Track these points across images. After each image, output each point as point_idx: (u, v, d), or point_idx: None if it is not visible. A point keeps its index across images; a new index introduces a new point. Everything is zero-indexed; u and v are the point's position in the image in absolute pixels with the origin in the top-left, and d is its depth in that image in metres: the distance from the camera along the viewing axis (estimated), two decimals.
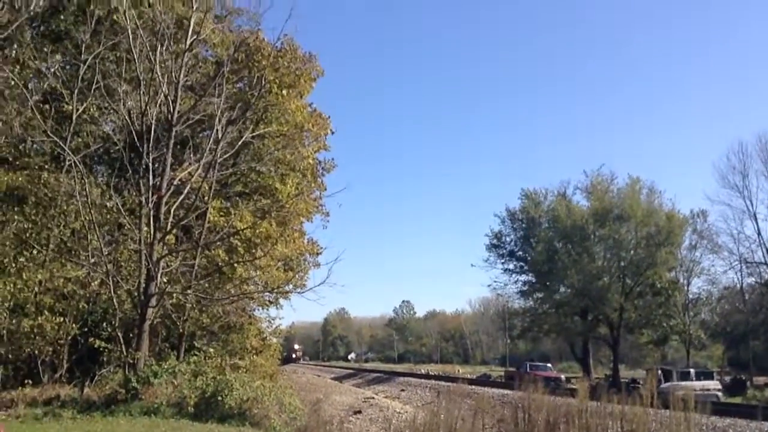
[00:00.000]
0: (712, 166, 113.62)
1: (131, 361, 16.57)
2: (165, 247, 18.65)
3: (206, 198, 19.54)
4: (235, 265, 20.63)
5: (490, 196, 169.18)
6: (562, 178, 73.36)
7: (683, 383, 27.41)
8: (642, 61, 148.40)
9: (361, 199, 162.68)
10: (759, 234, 49.23)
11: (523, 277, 56.20)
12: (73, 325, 18.87)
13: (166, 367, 16.89)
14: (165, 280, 18.33)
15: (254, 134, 21.09)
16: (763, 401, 27.56)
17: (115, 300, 17.51)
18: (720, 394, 28.56)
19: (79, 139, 20.73)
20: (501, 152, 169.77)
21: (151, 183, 18.16)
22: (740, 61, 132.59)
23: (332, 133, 26.01)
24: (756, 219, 49.06)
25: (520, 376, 39.15)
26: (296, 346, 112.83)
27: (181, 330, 20.17)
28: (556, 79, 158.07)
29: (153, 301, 17.32)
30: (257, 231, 20.85)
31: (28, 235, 18.91)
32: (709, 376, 33.15)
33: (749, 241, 50.07)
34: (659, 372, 29.31)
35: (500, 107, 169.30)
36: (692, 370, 33.22)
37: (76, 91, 19.54)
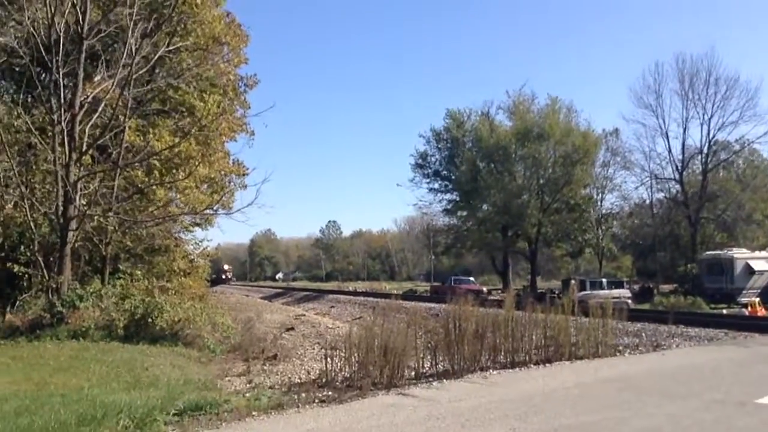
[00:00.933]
0: (627, 87, 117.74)
1: (54, 286, 16.09)
2: (82, 168, 17.80)
3: (123, 116, 18.61)
4: (156, 186, 20.01)
5: (415, 117, 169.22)
6: (486, 99, 74.01)
7: (596, 292, 29.31)
8: None
9: (287, 118, 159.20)
10: (669, 151, 52.10)
11: (448, 196, 57.47)
12: None
13: (91, 290, 16.52)
14: (84, 203, 17.60)
15: (170, 48, 19.96)
16: (668, 307, 29.85)
17: (31, 223, 16.75)
18: (630, 301, 30.74)
19: None
20: (427, 72, 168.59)
21: (62, 100, 17.08)
22: None
23: (250, 43, 25.07)
24: (667, 137, 51.74)
25: (445, 290, 40.83)
26: (226, 267, 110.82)
27: (104, 253, 19.60)
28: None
29: (73, 224, 16.68)
30: (177, 151, 20.19)
31: None
32: (619, 285, 35.55)
33: (660, 158, 52.99)
34: (581, 282, 31.20)
35: (427, 26, 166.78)
36: (604, 280, 35.52)
37: None
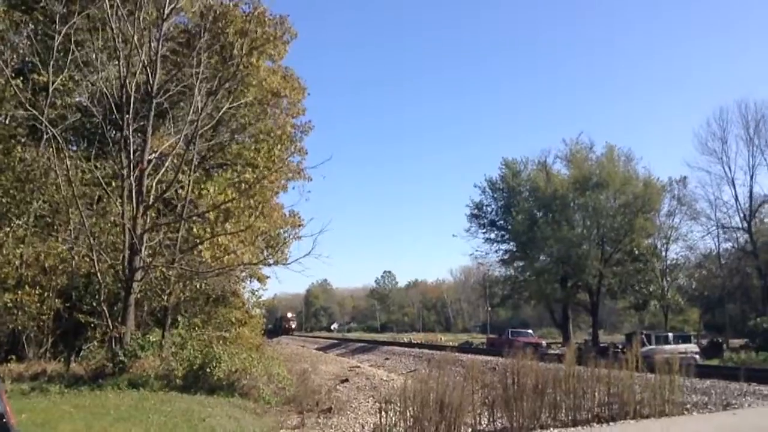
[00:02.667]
0: (692, 132, 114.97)
1: (117, 335, 16.51)
2: (148, 221, 18.48)
3: (187, 170, 19.33)
4: (215, 239, 20.48)
5: (472, 165, 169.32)
6: (543, 147, 73.56)
7: (662, 347, 28.07)
8: (625, 28, 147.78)
9: (342, 168, 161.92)
10: (736, 199, 50.27)
11: (504, 246, 56.69)
12: (56, 300, 18.75)
13: (152, 340, 16.88)
14: (148, 254, 18.19)
15: (232, 104, 20.76)
16: (739, 363, 28.30)
17: (98, 274, 17.35)
18: (698, 356, 29.26)
19: (56, 112, 20.35)
20: (482, 121, 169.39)
21: (131, 156, 17.89)
22: (722, 28, 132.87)
23: (307, 95, 25.79)
24: (734, 184, 50.03)
25: (502, 343, 39.91)
26: (289, 315, 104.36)
27: (165, 303, 20.09)
28: (535, 44, 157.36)
29: (138, 275, 17.21)
30: (237, 204, 20.72)
31: (6, 209, 18.62)
32: (686, 339, 33.93)
33: (726, 207, 51.15)
34: (646, 336, 29.98)
35: (484, 72, 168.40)
36: (671, 334, 33.96)
37: (51, 62, 19.11)
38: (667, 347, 27.87)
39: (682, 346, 29.81)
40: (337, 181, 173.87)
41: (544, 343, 42.34)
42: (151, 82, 18.63)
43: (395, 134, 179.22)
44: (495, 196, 57.26)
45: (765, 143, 48.48)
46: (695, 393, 14.44)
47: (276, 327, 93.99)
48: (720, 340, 44.16)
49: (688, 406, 12.82)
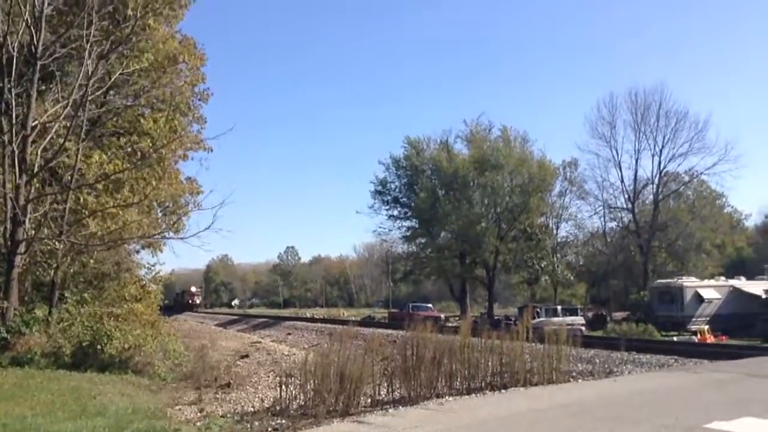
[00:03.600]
0: (584, 117, 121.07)
1: None
2: (32, 191, 17.32)
3: (75, 139, 18.23)
4: (106, 210, 19.54)
5: (376, 143, 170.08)
6: (445, 128, 74.97)
7: (551, 319, 29.71)
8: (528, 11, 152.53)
9: (244, 141, 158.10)
10: (622, 181, 53.74)
11: (407, 223, 57.65)
12: None
13: (38, 316, 15.97)
14: (33, 226, 17.10)
15: (125, 70, 19.69)
16: (621, 334, 30.40)
17: None
18: (583, 328, 31.20)
19: None
20: (387, 99, 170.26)
21: (14, 121, 16.65)
22: (622, 17, 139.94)
23: (205, 62, 24.84)
24: (620, 167, 53.38)
25: (403, 317, 40.74)
26: (194, 289, 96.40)
27: (52, 278, 18.98)
28: (438, 24, 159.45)
29: (21, 248, 16.15)
30: (130, 174, 19.86)
31: None
32: (574, 312, 36.10)
33: (613, 188, 54.59)
34: (536, 309, 31.54)
35: (388, 51, 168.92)
36: (559, 307, 36.01)
37: None
38: (556, 319, 29.54)
39: (569, 318, 31.68)
40: (239, 154, 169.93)
41: (442, 316, 43.65)
42: (35, 42, 17.34)
43: (300, 111, 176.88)
44: (399, 173, 57.97)
45: (650, 129, 51.93)
46: (581, 362, 15.43)
47: (177, 303, 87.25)
48: (604, 313, 47.28)
49: (574, 374, 13.68)
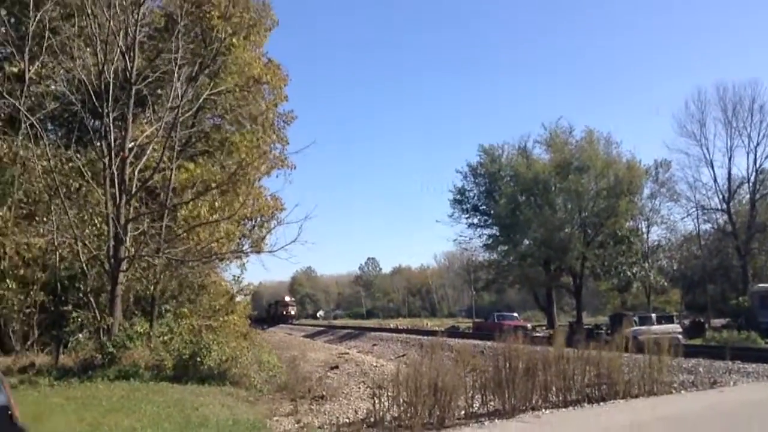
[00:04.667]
0: (671, 115, 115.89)
1: (105, 327, 16.37)
2: (131, 210, 18.28)
3: (169, 158, 19.13)
4: (201, 226, 20.34)
5: (453, 151, 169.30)
6: (522, 133, 73.48)
7: (647, 327, 28.41)
8: (602, 13, 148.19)
9: (326, 155, 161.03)
10: (715, 181, 50.93)
11: (487, 231, 56.91)
12: (40, 292, 18.50)
13: (141, 330, 16.74)
14: (131, 243, 18.02)
15: (213, 91, 20.56)
16: (721, 342, 28.72)
17: (84, 265, 17.15)
18: (681, 336, 29.65)
19: (32, 100, 19.97)
20: (465, 107, 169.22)
21: (113, 144, 17.64)
22: (700, 12, 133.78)
23: (288, 83, 25.62)
24: (712, 166, 50.65)
25: (489, 327, 40.15)
26: (288, 299, 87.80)
27: (152, 293, 19.92)
28: (512, 30, 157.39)
29: (123, 265, 17.04)
30: (221, 191, 20.63)
31: None
32: (669, 320, 34.32)
33: (705, 188, 51.80)
34: (633, 318, 30.28)
35: (461, 64, 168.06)
36: (654, 315, 34.38)
37: (26, 50, 18.73)
38: (653, 327, 28.20)
39: (665, 327, 30.15)
40: (320, 168, 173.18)
41: (529, 326, 42.66)
42: (129, 68, 18.36)
43: (377, 122, 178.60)
44: (476, 181, 57.44)
45: (743, 125, 49.10)
46: (681, 372, 14.68)
47: (270, 315, 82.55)
48: (702, 320, 44.82)
49: (675, 385, 13.01)
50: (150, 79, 19.50)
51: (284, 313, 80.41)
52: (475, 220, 57.33)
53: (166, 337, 17.39)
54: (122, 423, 9.85)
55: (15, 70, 18.97)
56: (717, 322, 44.56)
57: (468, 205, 57.63)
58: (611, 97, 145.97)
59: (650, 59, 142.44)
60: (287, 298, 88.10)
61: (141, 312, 20.97)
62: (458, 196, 57.55)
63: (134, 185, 18.32)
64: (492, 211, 54.82)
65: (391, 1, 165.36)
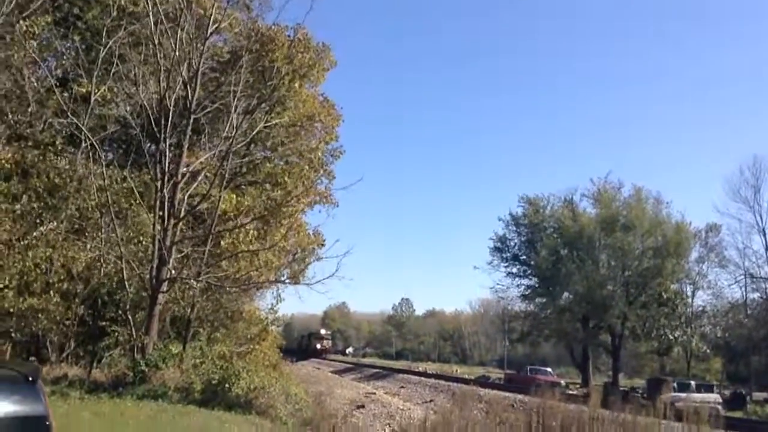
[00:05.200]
0: (723, 179, 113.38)
1: (140, 345, 16.61)
2: (177, 233, 18.69)
3: (219, 186, 19.57)
4: (242, 254, 20.61)
5: (491, 198, 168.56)
6: (568, 186, 73.00)
7: (685, 395, 27.41)
8: (652, 68, 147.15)
9: (367, 191, 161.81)
10: (766, 249, 49.32)
11: (526, 281, 55.97)
12: (81, 306, 18.93)
13: (174, 352, 16.93)
14: (173, 265, 18.37)
15: (267, 124, 21.09)
16: (763, 417, 27.49)
17: (126, 283, 17.53)
18: (720, 407, 28.47)
19: (95, 122, 20.79)
20: (506, 155, 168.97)
21: (166, 169, 18.18)
22: (754, 73, 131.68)
23: (342, 122, 26.02)
24: (764, 234, 49.17)
25: (521, 379, 39.29)
26: (323, 332, 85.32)
27: (188, 316, 20.19)
28: (561, 80, 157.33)
29: (164, 286, 17.35)
30: (265, 221, 20.97)
31: (38, 214, 18.96)
32: (709, 388, 33.11)
33: (756, 256, 50.20)
34: (672, 384, 29.29)
35: (507, 107, 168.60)
36: (693, 383, 33.18)
37: (94, 74, 19.59)
38: (693, 395, 27.19)
39: (704, 395, 29.05)
40: (360, 205, 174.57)
41: (562, 382, 41.62)
42: (190, 97, 18.99)
43: (417, 164, 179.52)
44: (518, 231, 56.89)
45: None
46: None
47: (302, 347, 79.53)
48: (743, 392, 42.97)
49: None
50: (208, 110, 20.14)
51: (318, 346, 78.07)
52: (515, 270, 56.54)
53: (197, 360, 17.52)
54: None
55: (83, 90, 19.80)
56: (760, 395, 42.68)
57: (508, 254, 56.98)
58: (670, 158, 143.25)
59: (719, 126, 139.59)
60: (323, 331, 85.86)
61: (175, 334, 21.26)
62: (499, 244, 57.00)
63: (182, 209, 18.77)
64: (532, 262, 54.05)
65: (438, 35, 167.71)
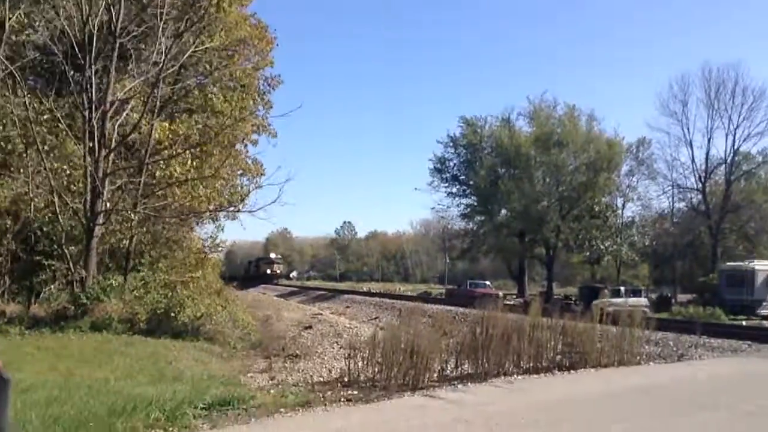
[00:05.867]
0: (655, 95, 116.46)
1: (79, 278, 16.25)
2: (110, 164, 18.01)
3: (151, 114, 18.81)
4: (179, 183, 20.13)
5: (431, 119, 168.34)
6: (506, 105, 73.60)
7: (615, 300, 29.11)
8: None
9: (303, 116, 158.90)
10: (693, 161, 51.75)
11: (465, 201, 57.18)
12: (12, 242, 18.26)
13: (115, 283, 16.66)
14: (109, 198, 17.81)
15: (198, 48, 20.16)
16: (687, 317, 29.53)
17: (59, 216, 16.92)
18: (647, 310, 30.38)
19: (12, 49, 19.36)
20: (446, 76, 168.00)
21: (93, 97, 17.28)
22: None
23: (276, 46, 25.15)
24: (691, 146, 51.40)
25: (461, 294, 40.71)
26: (273, 256, 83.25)
27: (127, 247, 19.76)
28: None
29: (100, 219, 16.86)
30: (201, 150, 20.44)
31: None
32: (637, 293, 35.17)
33: (683, 168, 52.65)
34: (605, 290, 30.93)
35: (446, 33, 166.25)
36: (622, 288, 35.18)
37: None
38: (620, 300, 28.89)
39: (633, 300, 30.89)
40: (299, 130, 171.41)
41: (500, 294, 43.36)
42: (114, 20, 17.87)
43: (357, 86, 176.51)
44: (457, 151, 57.47)
45: (724, 107, 49.66)
46: (648, 344, 15.11)
47: (250, 273, 78.65)
48: (669, 295, 45.94)
49: (644, 356, 13.41)
50: (134, 33, 19.04)
51: (268, 271, 76.82)
52: (454, 190, 57.53)
53: (140, 291, 17.31)
54: (95, 374, 9.83)
55: None
56: (683, 297, 45.70)
57: (448, 175, 57.73)
58: (603, 77, 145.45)
59: (649, 44, 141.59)
60: (273, 255, 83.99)
61: (116, 266, 20.83)
62: (438, 165, 57.59)
63: (113, 140, 18.01)
64: (471, 182, 55.02)
65: None
